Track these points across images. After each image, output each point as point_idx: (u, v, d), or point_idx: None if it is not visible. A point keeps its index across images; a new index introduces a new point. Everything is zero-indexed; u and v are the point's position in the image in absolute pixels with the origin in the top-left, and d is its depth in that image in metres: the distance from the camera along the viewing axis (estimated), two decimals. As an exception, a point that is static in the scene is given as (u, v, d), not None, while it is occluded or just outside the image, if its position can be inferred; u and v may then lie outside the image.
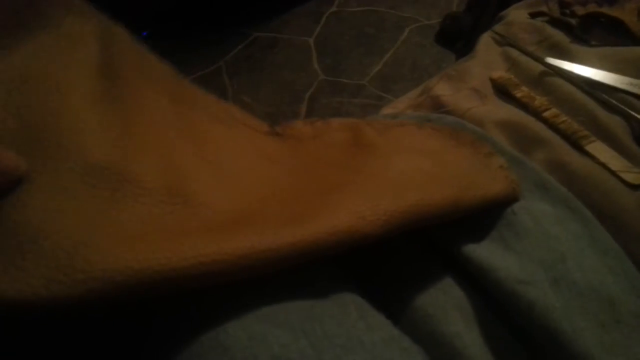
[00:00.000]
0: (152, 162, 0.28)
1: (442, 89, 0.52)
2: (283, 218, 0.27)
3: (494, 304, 0.32)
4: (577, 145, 0.42)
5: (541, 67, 0.50)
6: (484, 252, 0.33)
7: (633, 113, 0.43)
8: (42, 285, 0.20)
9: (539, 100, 0.46)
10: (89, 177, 0.25)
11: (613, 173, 0.39)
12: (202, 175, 0.30)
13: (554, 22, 0.57)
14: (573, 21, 0.55)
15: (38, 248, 0.21)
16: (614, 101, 0.45)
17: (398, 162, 0.36)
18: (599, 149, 0.41)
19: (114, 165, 0.26)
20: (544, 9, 0.59)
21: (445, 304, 0.32)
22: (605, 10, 0.55)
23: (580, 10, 0.56)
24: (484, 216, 0.35)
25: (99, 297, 0.20)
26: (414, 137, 0.41)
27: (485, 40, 0.58)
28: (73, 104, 0.27)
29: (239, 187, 0.31)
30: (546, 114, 0.45)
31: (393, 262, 0.34)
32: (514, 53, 0.53)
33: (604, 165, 0.40)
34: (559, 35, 0.54)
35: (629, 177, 0.38)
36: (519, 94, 0.48)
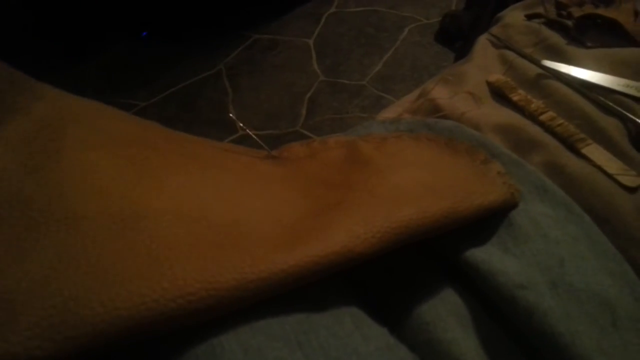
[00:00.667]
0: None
1: (439, 93, 0.52)
2: (276, 240, 0.27)
3: (493, 309, 0.32)
4: (573, 148, 0.42)
5: (538, 70, 0.50)
6: (483, 256, 0.33)
7: (630, 115, 0.43)
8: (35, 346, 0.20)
9: (536, 104, 0.46)
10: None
11: (610, 176, 0.39)
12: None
13: (551, 24, 0.57)
14: (569, 23, 0.55)
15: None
16: (610, 103, 0.45)
17: (393, 177, 0.36)
18: (595, 152, 0.41)
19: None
20: (541, 10, 0.59)
21: (442, 311, 0.32)
22: (601, 11, 0.55)
23: (576, 12, 0.56)
24: (484, 220, 0.35)
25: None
26: (410, 149, 0.41)
27: (482, 43, 0.58)
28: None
29: (235, 207, 0.31)
30: (542, 117, 0.45)
31: (390, 270, 0.34)
32: (511, 56, 0.53)
33: (600, 168, 0.40)
34: (555, 37, 0.54)
35: (626, 180, 0.38)
36: (515, 97, 0.48)
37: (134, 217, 0.25)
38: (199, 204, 0.29)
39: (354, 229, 0.28)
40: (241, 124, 0.46)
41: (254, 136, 0.44)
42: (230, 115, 0.48)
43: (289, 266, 0.25)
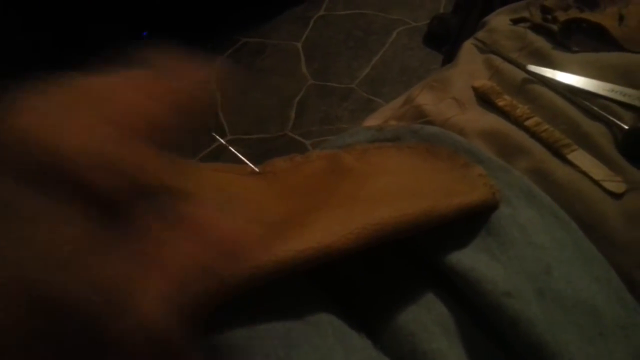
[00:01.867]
0: None
1: (425, 99, 0.51)
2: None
3: (479, 317, 0.32)
4: (559, 154, 0.42)
5: (523, 75, 0.50)
6: (469, 262, 0.33)
7: (615, 120, 0.43)
8: None
9: (521, 109, 0.46)
10: None
11: (595, 182, 0.39)
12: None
13: (536, 28, 0.57)
14: (555, 27, 0.55)
15: None
16: (596, 108, 0.45)
17: (373, 183, 0.36)
18: (580, 157, 0.41)
19: None
20: (526, 14, 0.59)
21: (427, 320, 0.31)
22: (586, 15, 0.55)
23: (561, 16, 0.56)
24: (469, 225, 0.35)
25: None
26: (391, 159, 0.41)
27: (468, 48, 0.58)
28: None
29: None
30: (528, 123, 0.44)
31: (373, 279, 0.34)
32: (496, 61, 0.53)
33: (586, 174, 0.39)
34: (540, 42, 0.54)
35: (612, 186, 0.38)
36: (501, 103, 0.48)
37: None
38: None
39: (331, 227, 0.28)
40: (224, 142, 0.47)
41: (237, 154, 0.44)
42: (214, 134, 0.48)
43: (262, 263, 0.25)
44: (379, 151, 0.42)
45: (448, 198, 0.34)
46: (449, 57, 0.61)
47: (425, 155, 0.41)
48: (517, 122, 0.45)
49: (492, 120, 0.47)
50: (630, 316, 0.32)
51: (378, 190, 0.34)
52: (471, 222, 0.35)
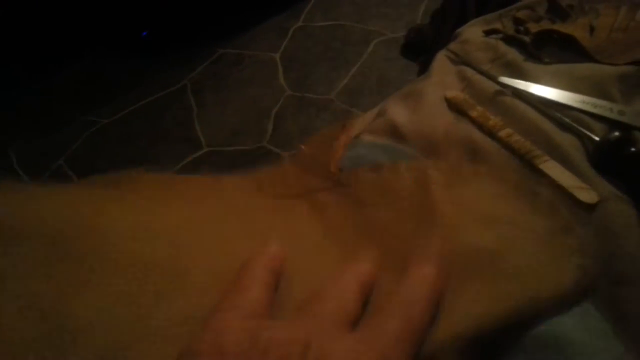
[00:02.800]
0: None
1: (397, 111, 0.51)
2: None
3: None
4: (530, 165, 0.41)
5: (495, 86, 0.50)
6: None
7: (586, 132, 0.43)
8: None
9: (493, 120, 0.46)
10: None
11: (567, 192, 0.38)
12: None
13: (509, 40, 0.57)
14: (526, 38, 0.55)
15: None
16: (567, 120, 0.44)
17: (464, 230, 0.35)
18: (552, 168, 0.40)
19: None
20: (498, 26, 0.59)
21: None
22: (558, 27, 0.55)
23: (533, 27, 0.56)
24: None
25: None
26: (484, 196, 0.39)
27: (440, 59, 0.57)
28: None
29: None
30: (500, 134, 0.44)
31: None
32: (469, 72, 0.53)
33: (558, 184, 0.39)
34: (512, 53, 0.54)
35: (583, 196, 0.38)
36: (473, 114, 0.47)
37: None
38: None
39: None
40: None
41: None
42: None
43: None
44: (471, 180, 0.39)
45: (536, 291, 0.31)
46: (424, 67, 0.60)
47: (523, 203, 0.37)
48: (490, 133, 0.45)
49: (464, 128, 0.46)
50: None
51: (471, 248, 0.33)
52: None
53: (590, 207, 0.38)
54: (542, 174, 0.40)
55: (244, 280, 0.27)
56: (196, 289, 0.28)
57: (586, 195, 0.38)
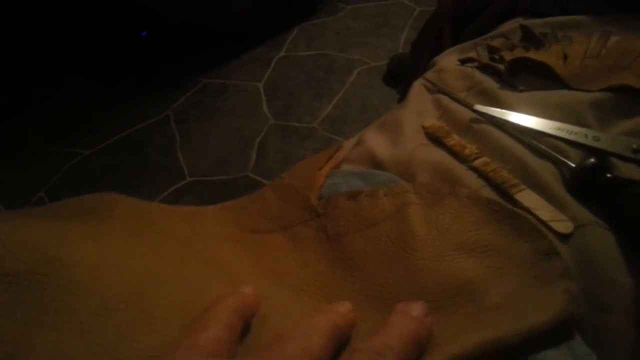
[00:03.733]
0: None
1: (375, 140, 0.51)
2: None
3: None
4: (506, 194, 0.41)
5: (471, 114, 0.50)
6: None
7: (562, 158, 0.43)
8: None
9: (470, 149, 0.45)
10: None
11: (543, 223, 0.38)
12: None
13: (484, 68, 0.57)
14: (501, 66, 0.56)
15: None
16: (543, 147, 0.44)
17: (443, 263, 0.35)
18: (528, 197, 0.40)
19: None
20: (473, 54, 0.60)
21: None
22: (532, 55, 0.56)
23: (508, 56, 0.56)
24: None
25: None
26: (466, 223, 0.38)
27: (417, 88, 0.58)
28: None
29: None
30: (476, 163, 0.44)
31: None
32: (445, 100, 0.53)
33: (533, 215, 0.39)
34: (488, 81, 0.54)
35: (559, 227, 0.37)
36: (450, 142, 0.47)
37: None
38: None
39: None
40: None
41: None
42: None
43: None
44: (451, 204, 0.38)
45: (521, 319, 0.30)
46: (404, 96, 0.61)
47: (505, 227, 0.36)
48: (466, 162, 0.45)
49: (440, 155, 0.46)
50: None
51: (450, 280, 0.33)
52: None
53: (567, 237, 0.37)
54: (518, 204, 0.40)
55: (205, 320, 0.26)
56: (161, 327, 0.27)
57: (562, 225, 0.38)
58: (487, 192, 0.41)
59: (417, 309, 0.29)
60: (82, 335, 0.25)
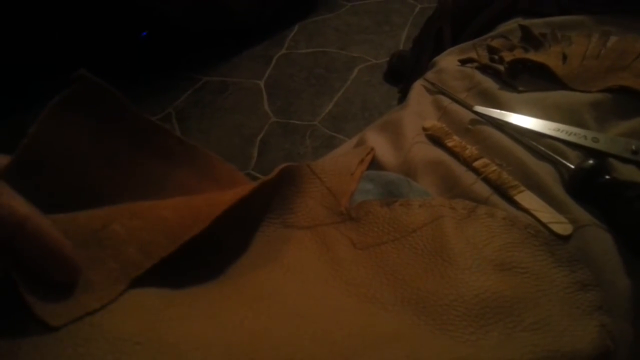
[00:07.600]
0: None
1: (376, 141, 0.51)
2: None
3: None
4: (506, 196, 0.41)
5: (471, 115, 0.50)
6: None
7: (561, 160, 0.43)
8: None
9: (470, 150, 0.46)
10: None
11: (543, 225, 0.38)
12: None
13: (483, 68, 0.57)
14: (501, 67, 0.56)
15: None
16: (542, 148, 0.45)
17: (469, 284, 0.34)
18: (527, 199, 0.40)
19: None
20: (473, 55, 0.60)
21: None
22: (531, 55, 0.56)
23: (507, 56, 0.57)
24: None
25: None
26: (495, 243, 0.38)
27: (417, 89, 0.58)
28: None
29: None
30: (476, 164, 0.44)
31: None
32: (445, 101, 0.53)
33: (533, 216, 0.39)
34: (487, 82, 0.55)
35: (558, 229, 0.38)
36: (450, 143, 0.47)
37: None
38: None
39: None
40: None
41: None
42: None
43: None
44: (482, 223, 0.38)
45: (556, 344, 0.30)
46: (404, 95, 0.61)
47: (542, 253, 0.36)
48: (466, 163, 0.45)
49: (439, 154, 0.46)
50: None
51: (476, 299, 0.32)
52: None
53: (566, 238, 0.38)
54: (517, 206, 0.40)
55: None
56: None
57: (561, 227, 0.38)
58: (484, 189, 0.42)
59: None
60: None
